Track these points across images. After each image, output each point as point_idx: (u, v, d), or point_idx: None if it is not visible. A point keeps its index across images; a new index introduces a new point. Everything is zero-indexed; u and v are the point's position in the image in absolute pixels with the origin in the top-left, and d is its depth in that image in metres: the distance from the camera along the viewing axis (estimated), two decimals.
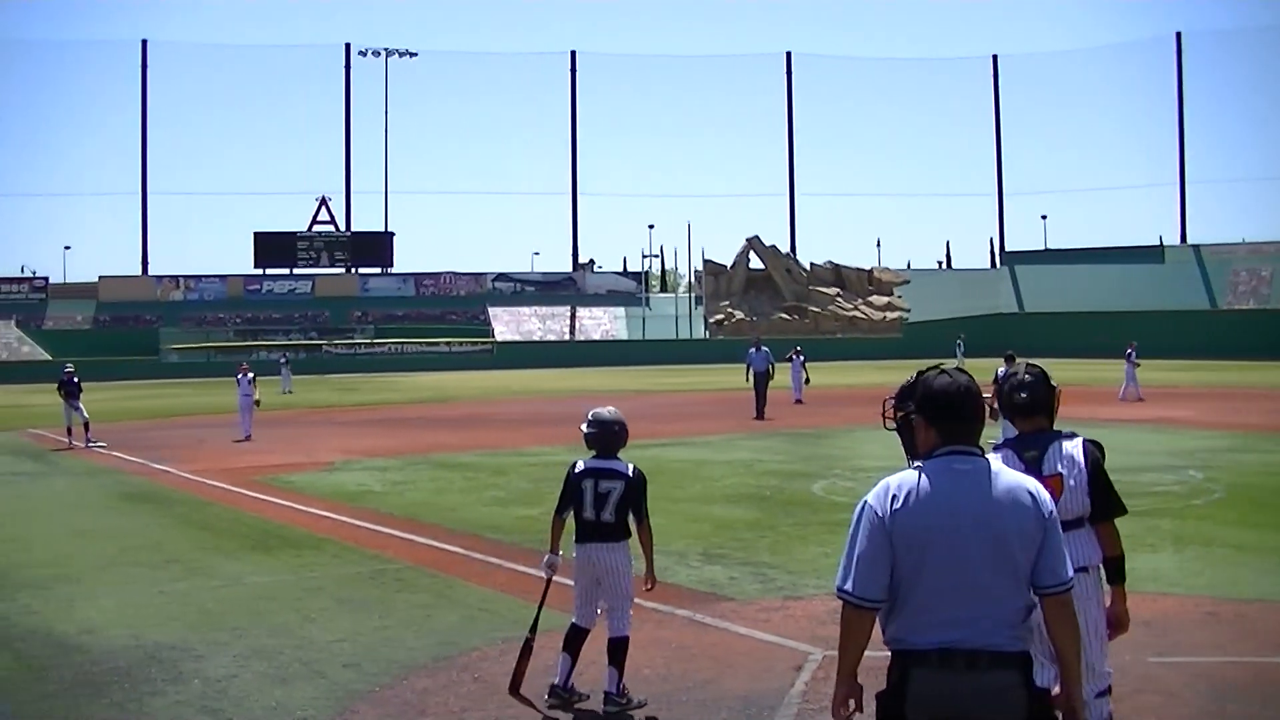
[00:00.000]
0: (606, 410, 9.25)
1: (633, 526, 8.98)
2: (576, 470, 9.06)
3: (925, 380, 4.89)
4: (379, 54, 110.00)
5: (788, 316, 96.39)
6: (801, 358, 43.81)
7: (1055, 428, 6.66)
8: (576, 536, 9.05)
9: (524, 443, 29.07)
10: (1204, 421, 31.44)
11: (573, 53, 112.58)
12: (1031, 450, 6.40)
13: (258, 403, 33.42)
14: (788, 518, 17.14)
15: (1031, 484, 4.75)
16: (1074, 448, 6.44)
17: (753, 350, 39.00)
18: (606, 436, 9.10)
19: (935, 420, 4.79)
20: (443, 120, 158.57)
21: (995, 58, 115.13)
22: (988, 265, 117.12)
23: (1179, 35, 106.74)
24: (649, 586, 9.09)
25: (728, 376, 53.57)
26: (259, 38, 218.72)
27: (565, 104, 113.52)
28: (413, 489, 21.16)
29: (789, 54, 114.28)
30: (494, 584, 13.11)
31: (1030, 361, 7.06)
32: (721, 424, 33.49)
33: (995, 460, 4.81)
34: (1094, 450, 6.50)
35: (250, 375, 33.79)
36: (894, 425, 5.13)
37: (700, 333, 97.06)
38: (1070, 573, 4.74)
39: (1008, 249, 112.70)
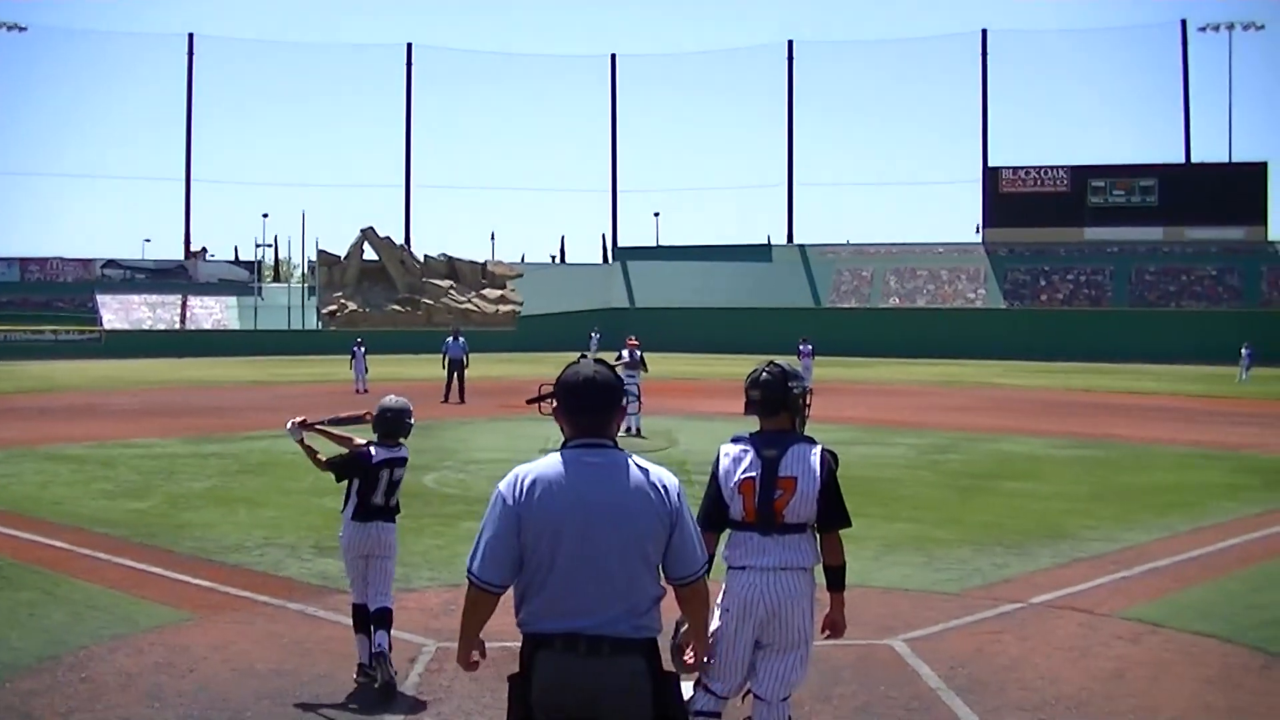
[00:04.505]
0: (391, 398, 9.79)
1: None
2: (374, 459, 9.46)
3: (563, 371, 5.00)
4: None
5: (401, 308, 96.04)
6: (362, 349, 46.01)
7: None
8: (355, 515, 9.40)
9: (133, 434, 28.16)
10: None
11: (190, 35, 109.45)
12: (771, 450, 6.41)
13: None
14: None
15: (662, 477, 4.88)
16: (814, 455, 6.41)
17: (450, 339, 41.34)
18: (382, 422, 9.63)
19: (567, 411, 4.92)
20: (52, 99, 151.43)
21: (614, 57, 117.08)
22: (600, 261, 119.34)
23: (790, 44, 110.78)
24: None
25: (339, 368, 53.21)
26: None
27: (181, 88, 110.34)
28: (16, 482, 20.24)
29: (410, 45, 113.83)
30: (103, 580, 12.82)
31: (775, 359, 6.94)
32: None
33: (628, 453, 4.92)
34: (830, 461, 6.48)
35: None
36: (548, 413, 5.16)
37: (313, 324, 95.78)
38: (701, 563, 5.01)
39: (621, 245, 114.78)
